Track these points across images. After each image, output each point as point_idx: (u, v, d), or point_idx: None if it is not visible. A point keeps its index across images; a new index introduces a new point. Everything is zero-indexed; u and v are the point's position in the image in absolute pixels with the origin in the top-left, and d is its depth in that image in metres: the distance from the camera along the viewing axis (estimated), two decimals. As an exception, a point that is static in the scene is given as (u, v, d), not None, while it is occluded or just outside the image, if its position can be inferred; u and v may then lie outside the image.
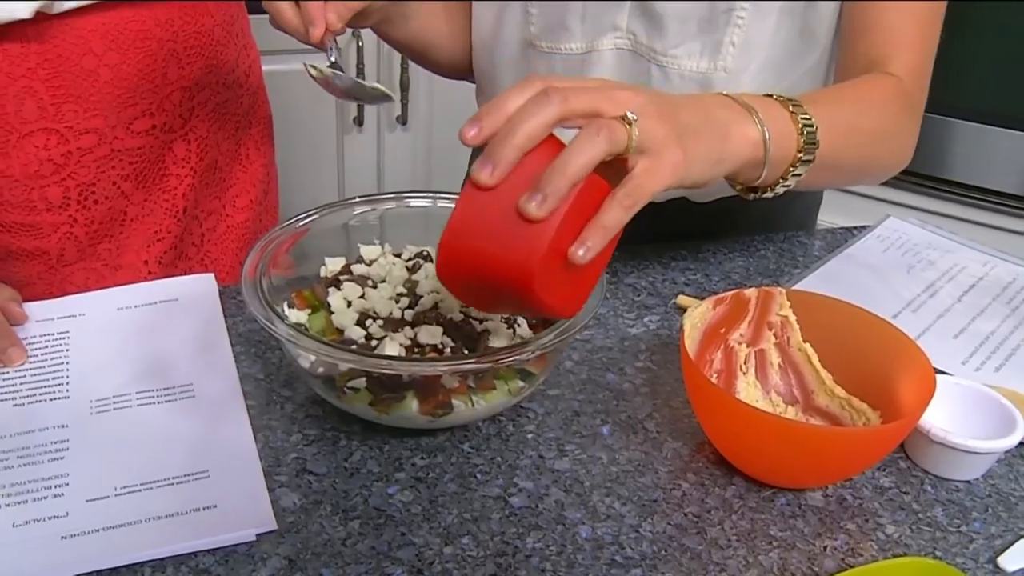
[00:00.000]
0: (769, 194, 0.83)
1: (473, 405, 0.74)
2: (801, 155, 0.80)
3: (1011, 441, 0.77)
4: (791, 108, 0.80)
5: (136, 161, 1.04)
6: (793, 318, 0.83)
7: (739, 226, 1.14)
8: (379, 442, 0.78)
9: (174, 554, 0.67)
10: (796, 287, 0.99)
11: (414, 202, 0.91)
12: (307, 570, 0.67)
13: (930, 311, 1.02)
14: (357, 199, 0.90)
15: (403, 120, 2.05)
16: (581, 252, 0.65)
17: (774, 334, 0.84)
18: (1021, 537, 0.74)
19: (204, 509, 0.71)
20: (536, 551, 0.69)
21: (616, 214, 0.66)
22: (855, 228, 1.18)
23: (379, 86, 0.95)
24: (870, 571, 0.64)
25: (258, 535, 0.69)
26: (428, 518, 0.72)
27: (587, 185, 0.64)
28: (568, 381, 0.86)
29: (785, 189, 0.82)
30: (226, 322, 0.91)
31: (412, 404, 0.73)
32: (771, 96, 0.81)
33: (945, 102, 1.95)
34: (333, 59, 0.90)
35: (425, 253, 0.87)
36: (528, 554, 0.69)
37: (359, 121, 2.04)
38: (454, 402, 0.74)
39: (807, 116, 0.80)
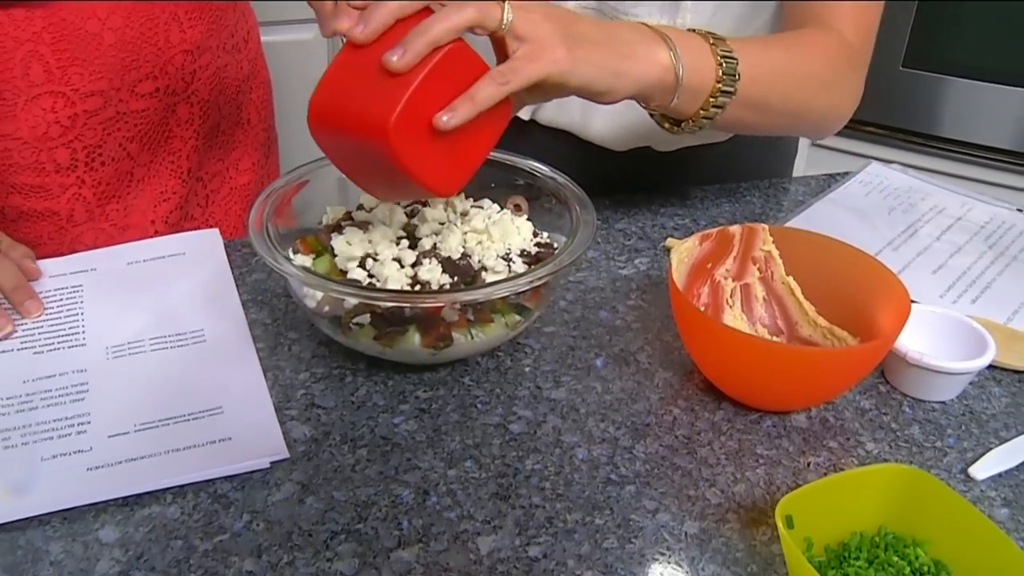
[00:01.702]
0: (692, 127, 0.87)
1: (472, 338, 0.78)
2: (720, 86, 0.83)
3: (982, 362, 0.81)
4: (711, 41, 0.83)
5: (141, 123, 1.07)
6: (776, 253, 0.87)
7: (715, 177, 1.18)
8: (384, 378, 0.82)
9: (193, 481, 0.71)
10: (780, 228, 1.02)
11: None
12: (319, 494, 0.71)
13: (910, 249, 1.06)
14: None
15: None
16: (445, 118, 0.70)
17: (758, 269, 0.88)
18: (990, 449, 0.78)
19: (220, 441, 0.75)
20: (535, 472, 0.73)
21: (488, 89, 0.71)
22: (838, 174, 1.21)
23: None
24: (851, 476, 0.68)
25: (272, 463, 0.73)
26: (432, 445, 0.76)
27: (460, 59, 0.70)
28: (563, 319, 0.90)
29: (708, 122, 0.86)
30: (233, 273, 0.95)
31: (414, 338, 0.77)
32: (693, 30, 0.85)
33: (936, 59, 1.98)
34: None
35: (422, 200, 0.90)
36: (528, 475, 0.73)
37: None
38: (454, 335, 0.78)
39: (728, 50, 0.83)
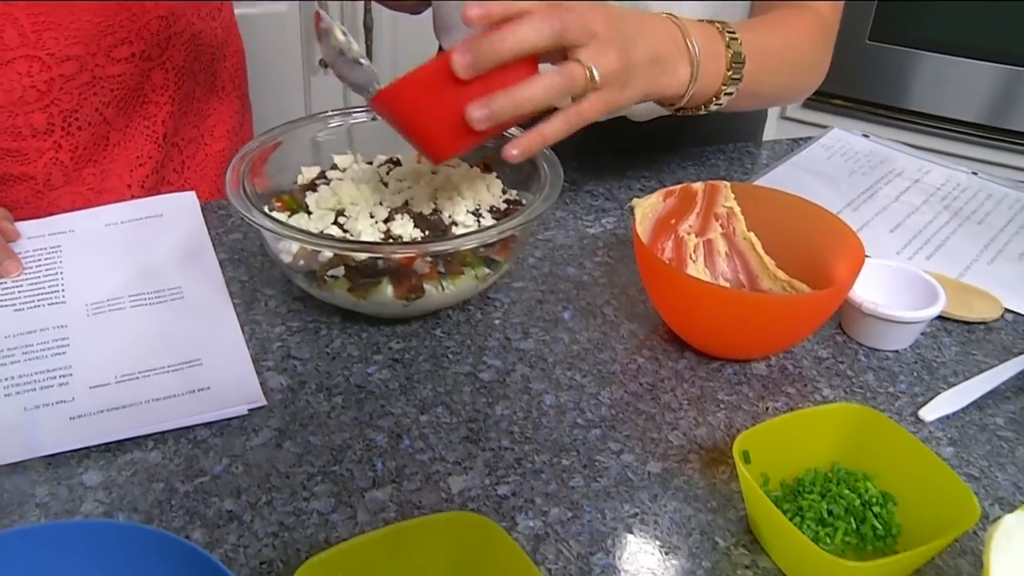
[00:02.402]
0: (691, 112, 0.92)
1: (443, 290, 0.81)
2: (724, 88, 0.88)
3: (932, 312, 0.84)
4: (727, 41, 0.87)
5: (117, 88, 1.09)
6: (738, 209, 0.90)
7: (683, 143, 1.20)
8: (358, 330, 0.85)
9: (173, 428, 0.73)
10: (743, 189, 1.05)
11: (359, 116, 0.96)
12: (295, 438, 0.73)
13: (869, 209, 1.10)
14: (329, 112, 0.95)
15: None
16: (515, 152, 0.74)
17: (720, 224, 0.91)
18: (939, 394, 0.81)
19: (199, 391, 0.77)
20: (504, 417, 0.76)
21: (558, 127, 0.75)
22: (801, 139, 1.24)
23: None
24: (805, 415, 0.71)
25: (249, 410, 0.75)
26: (405, 392, 0.78)
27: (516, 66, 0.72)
28: (532, 275, 0.93)
29: (706, 111, 0.91)
30: (210, 234, 0.97)
31: (387, 289, 0.80)
32: (714, 25, 0.88)
33: (902, 33, 2.01)
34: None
35: (395, 159, 0.93)
36: (497, 420, 0.76)
37: (325, 63, 2.08)
38: (426, 287, 0.80)
39: (739, 54, 0.87)
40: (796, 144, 1.23)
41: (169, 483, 0.69)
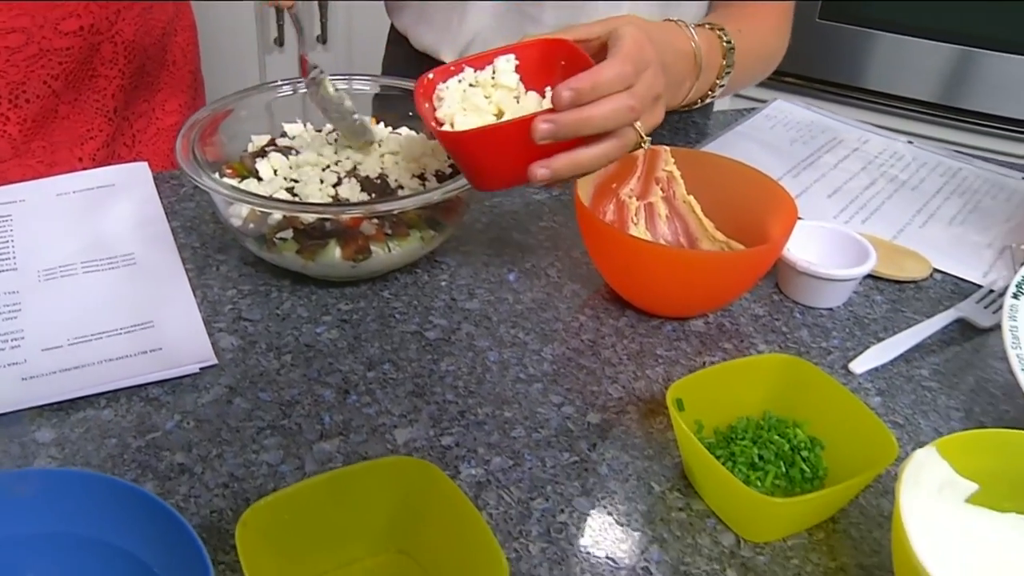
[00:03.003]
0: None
1: (390, 251, 0.83)
2: (712, 93, 0.94)
3: (863, 270, 0.88)
4: (723, 54, 0.92)
5: (65, 61, 1.10)
6: (678, 173, 0.93)
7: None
8: (307, 292, 0.87)
9: (125, 386, 0.75)
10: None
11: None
12: (246, 395, 0.75)
13: (809, 176, 1.13)
14: (279, 81, 0.97)
15: (323, 39, 2.11)
16: (541, 173, 0.75)
17: (661, 188, 0.93)
18: (869, 347, 0.84)
19: (151, 351, 0.79)
20: (449, 372, 0.79)
21: (596, 163, 0.77)
22: (745, 109, 1.27)
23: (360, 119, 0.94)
24: (738, 364, 0.74)
25: (201, 368, 0.77)
26: (353, 350, 0.80)
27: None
28: (478, 239, 0.95)
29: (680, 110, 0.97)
30: (162, 203, 0.98)
31: (335, 251, 0.82)
32: (715, 33, 0.92)
33: (856, 13, 2.04)
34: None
35: (343, 127, 0.94)
36: (442, 375, 0.78)
37: (280, 41, 2.09)
38: (372, 248, 0.82)
39: (731, 65, 0.92)
40: (740, 114, 1.26)
41: (121, 439, 0.71)
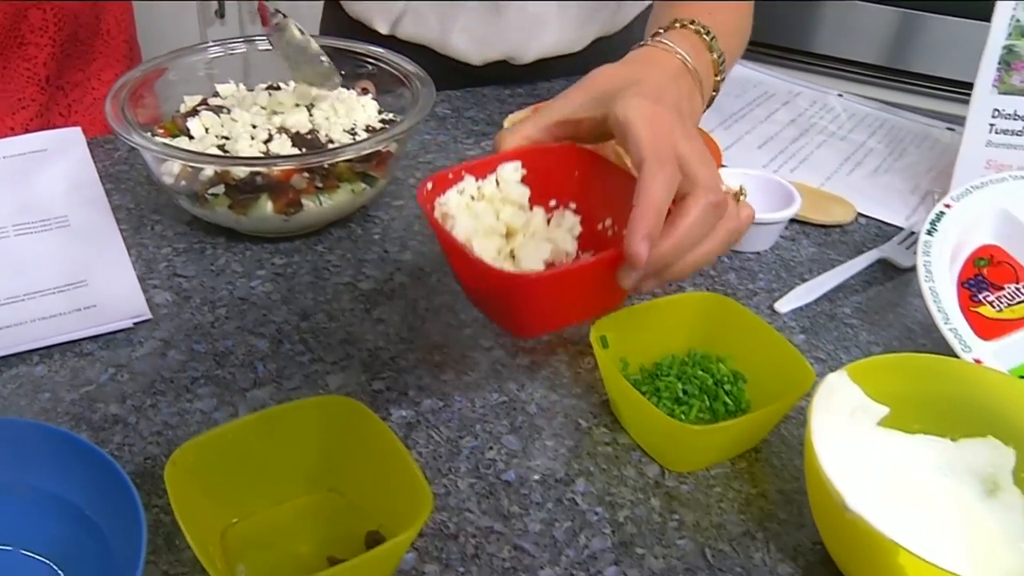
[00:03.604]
0: None
1: (321, 204, 0.84)
2: (715, 93, 0.83)
3: (787, 213, 0.90)
4: (716, 71, 0.79)
5: (-8, 28, 1.09)
6: (606, 124, 0.94)
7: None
8: (242, 248, 0.88)
9: (59, 342, 0.76)
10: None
11: (263, 45, 0.99)
12: (180, 348, 0.76)
13: (740, 128, 1.15)
14: (211, 42, 0.97)
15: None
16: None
17: (590, 139, 0.95)
18: (794, 288, 0.87)
19: (84, 309, 0.79)
20: (382, 321, 0.80)
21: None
22: (678, 67, 1.29)
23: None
24: (661, 303, 0.76)
25: (135, 323, 0.78)
26: (287, 302, 0.81)
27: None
28: (412, 194, 0.97)
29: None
30: (96, 166, 0.98)
31: (266, 204, 0.83)
32: (700, 37, 0.78)
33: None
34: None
35: (275, 85, 0.95)
36: (375, 323, 0.80)
37: (220, 13, 2.08)
38: (303, 201, 0.83)
39: (721, 58, 0.80)
40: (673, 71, 1.27)
41: (55, 393, 0.72)
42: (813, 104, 1.23)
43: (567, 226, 0.70)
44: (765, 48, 2.13)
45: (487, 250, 0.66)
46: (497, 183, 0.69)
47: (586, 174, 0.68)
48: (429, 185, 0.66)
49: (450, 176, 0.67)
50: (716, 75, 0.78)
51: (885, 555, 0.53)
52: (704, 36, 0.77)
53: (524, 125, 0.69)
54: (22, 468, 0.60)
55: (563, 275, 0.62)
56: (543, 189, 0.70)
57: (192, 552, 0.58)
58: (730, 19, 0.85)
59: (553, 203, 0.71)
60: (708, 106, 0.80)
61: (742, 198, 0.63)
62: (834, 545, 0.60)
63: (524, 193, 0.69)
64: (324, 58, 0.88)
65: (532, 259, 0.66)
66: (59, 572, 0.58)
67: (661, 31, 0.76)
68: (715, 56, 0.78)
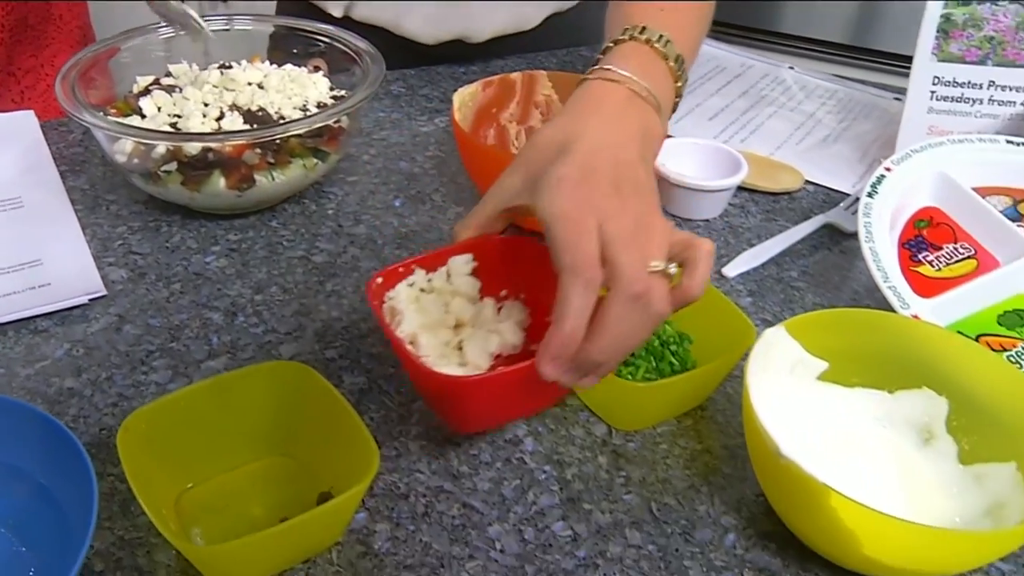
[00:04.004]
0: None
1: (273, 179, 0.85)
2: (678, 94, 0.77)
3: (734, 180, 0.92)
4: (675, 76, 0.73)
5: (-60, 12, 1.09)
6: (556, 97, 0.96)
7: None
8: (197, 226, 0.88)
9: (12, 319, 0.76)
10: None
11: (215, 25, 0.99)
12: (135, 322, 0.77)
13: (692, 100, 1.17)
14: (162, 23, 0.98)
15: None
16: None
17: (540, 112, 0.96)
18: (740, 253, 0.89)
19: (39, 287, 0.80)
20: (335, 292, 0.81)
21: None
22: (631, 43, 1.30)
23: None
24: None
25: (90, 300, 0.79)
26: (241, 276, 0.82)
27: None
28: (365, 170, 0.98)
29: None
30: (50, 149, 0.98)
31: (219, 180, 0.83)
32: (668, 62, 0.72)
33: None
34: None
35: (227, 64, 0.96)
36: (327, 295, 0.81)
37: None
38: (256, 177, 0.84)
39: (683, 84, 0.76)
40: (626, 47, 1.29)
41: (10, 369, 0.72)
42: (765, 77, 1.25)
43: (516, 318, 0.69)
44: (726, 28, 2.14)
45: (434, 344, 0.66)
46: (448, 275, 0.70)
47: (536, 265, 0.67)
48: (379, 280, 0.67)
49: (400, 270, 0.68)
50: (676, 81, 0.73)
51: (818, 498, 0.55)
52: (656, 44, 0.71)
53: (475, 215, 0.69)
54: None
55: (497, 379, 0.62)
56: (494, 280, 0.70)
57: (147, 517, 0.59)
58: (687, 10, 0.79)
59: (504, 293, 0.71)
60: (674, 111, 0.76)
61: (671, 271, 0.59)
62: (773, 493, 0.62)
63: (474, 285, 0.70)
64: (197, 21, 0.91)
65: (479, 352, 0.66)
66: (14, 539, 0.59)
67: (611, 45, 0.73)
68: (671, 64, 0.72)
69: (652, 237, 0.60)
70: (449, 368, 0.65)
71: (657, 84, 0.70)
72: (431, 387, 0.63)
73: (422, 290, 0.69)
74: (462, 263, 0.69)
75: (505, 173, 0.67)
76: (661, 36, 0.72)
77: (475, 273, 0.69)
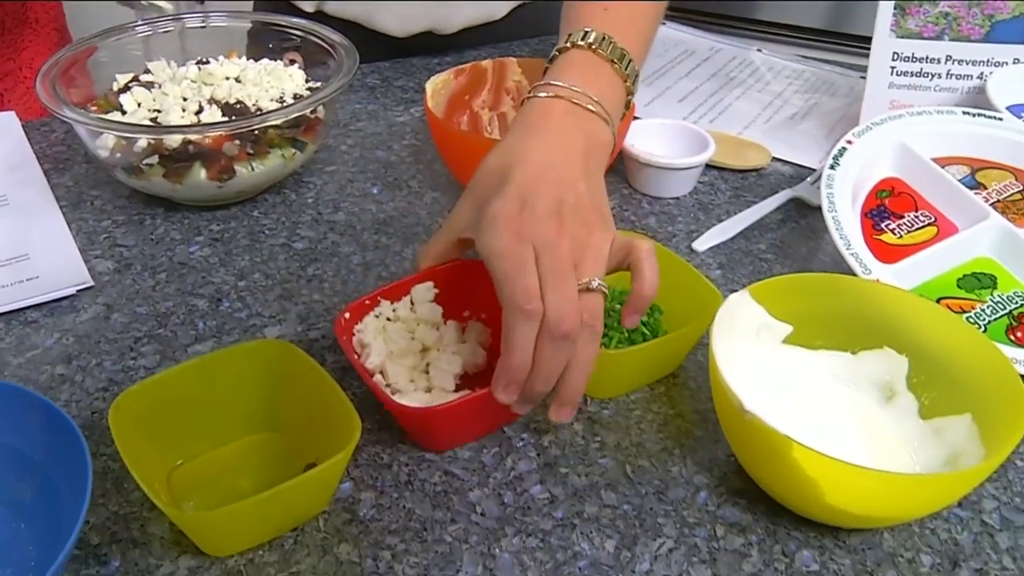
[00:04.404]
0: None
1: (253, 170, 0.87)
2: (629, 92, 0.78)
3: (702, 158, 0.94)
4: (623, 76, 0.75)
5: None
6: (526, 82, 0.98)
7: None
8: (180, 217, 0.91)
9: (3, 311, 0.78)
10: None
11: (191, 23, 1.02)
12: (123, 311, 0.79)
13: (662, 84, 1.20)
14: (139, 22, 1.00)
15: (201, -2, 2.11)
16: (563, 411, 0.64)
17: (511, 98, 0.99)
18: (710, 228, 0.91)
19: (27, 280, 0.82)
20: (316, 276, 0.84)
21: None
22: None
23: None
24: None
25: (78, 291, 0.81)
26: (224, 264, 0.85)
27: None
28: (343, 159, 1.00)
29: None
30: (33, 148, 1.01)
31: (200, 172, 0.86)
32: (613, 64, 0.74)
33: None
34: None
35: (204, 60, 0.98)
36: (309, 279, 0.83)
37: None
38: (236, 168, 0.86)
39: (634, 81, 0.76)
40: (597, 35, 1.32)
41: (2, 358, 0.75)
42: (733, 59, 1.28)
43: (478, 338, 0.73)
44: (698, 16, 2.16)
45: (401, 371, 0.70)
46: (411, 304, 0.73)
47: (492, 285, 0.66)
48: (346, 315, 0.70)
49: (366, 302, 0.72)
50: (625, 80, 0.74)
51: (781, 450, 0.58)
52: (599, 49, 0.73)
53: (433, 245, 0.72)
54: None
55: (457, 407, 0.65)
56: (456, 303, 0.74)
57: (140, 493, 0.62)
58: (632, 7, 0.79)
59: (466, 314, 0.75)
60: (627, 107, 0.78)
61: (604, 289, 0.63)
62: (740, 450, 0.65)
63: (436, 311, 0.73)
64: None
65: (444, 375, 0.70)
66: (12, 517, 0.61)
67: (556, 54, 0.74)
68: (616, 64, 0.73)
69: (586, 257, 0.63)
70: (417, 393, 0.69)
71: (603, 89, 0.72)
72: (399, 417, 0.68)
73: (388, 320, 0.73)
74: (424, 291, 0.73)
75: (459, 202, 0.69)
76: (605, 38, 0.73)
77: (437, 299, 0.73)
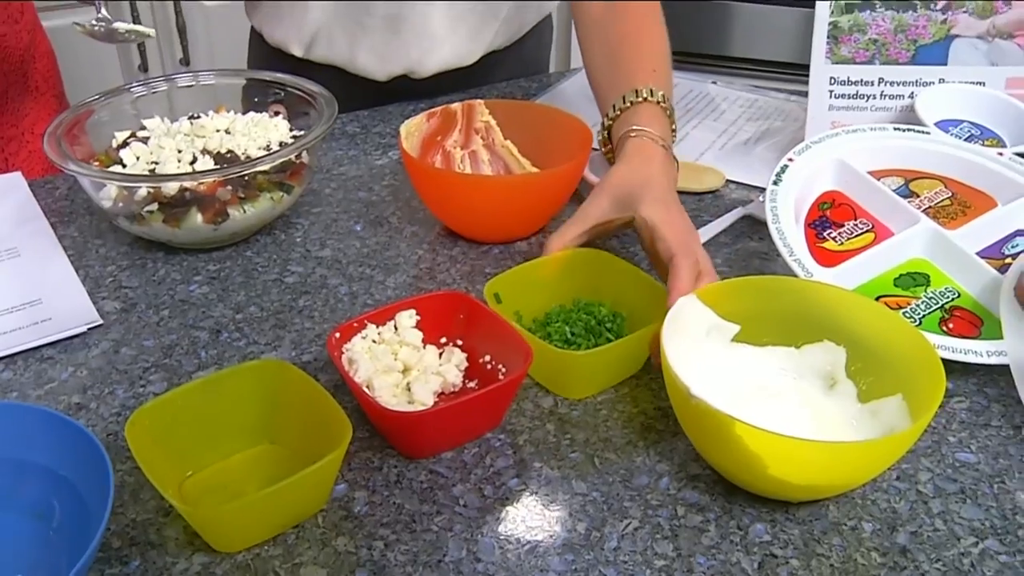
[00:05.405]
0: None
1: (245, 212, 0.95)
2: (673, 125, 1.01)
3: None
4: (673, 121, 0.99)
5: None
6: (494, 122, 1.07)
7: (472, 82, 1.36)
8: (179, 260, 0.98)
9: (20, 350, 0.86)
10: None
11: (182, 82, 1.10)
12: (131, 344, 0.87)
13: (621, 119, 1.27)
14: (135, 82, 1.09)
15: (186, 61, 2.20)
16: None
17: (481, 137, 1.07)
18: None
19: (41, 322, 0.89)
20: (306, 307, 0.91)
21: None
22: (576, 69, 1.41)
23: (135, 27, 1.13)
24: (548, 260, 0.87)
25: (88, 328, 0.88)
26: (222, 300, 0.92)
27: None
28: (328, 201, 1.08)
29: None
30: (39, 204, 1.08)
31: (197, 216, 0.93)
32: (667, 113, 0.98)
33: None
34: (100, 13, 1.08)
35: (195, 115, 1.06)
36: (300, 310, 0.91)
37: (144, 67, 2.18)
38: (229, 211, 0.94)
39: (675, 128, 1.00)
40: (562, 75, 1.40)
41: (22, 391, 0.82)
42: (690, 92, 1.36)
43: (455, 361, 0.80)
44: (683, 55, 2.25)
45: (386, 386, 0.77)
46: (396, 328, 0.81)
47: (470, 317, 0.82)
48: (337, 335, 0.78)
49: (355, 325, 0.79)
50: (672, 125, 0.99)
51: (726, 429, 0.65)
52: (662, 104, 0.97)
53: (569, 229, 0.89)
54: (10, 443, 0.69)
55: (437, 413, 0.74)
56: (435, 330, 0.82)
57: (155, 502, 0.69)
58: (660, 48, 1.05)
59: (444, 340, 0.83)
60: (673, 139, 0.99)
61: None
62: (693, 435, 0.72)
63: (418, 335, 0.81)
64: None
65: (424, 392, 0.77)
66: (43, 526, 0.68)
67: (629, 106, 0.97)
68: (668, 114, 0.98)
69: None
70: (400, 407, 0.77)
71: (666, 133, 0.96)
72: (385, 422, 0.75)
73: (374, 341, 0.80)
74: (407, 317, 0.81)
75: (589, 200, 0.90)
76: (663, 95, 0.98)
77: (418, 325, 0.81)
